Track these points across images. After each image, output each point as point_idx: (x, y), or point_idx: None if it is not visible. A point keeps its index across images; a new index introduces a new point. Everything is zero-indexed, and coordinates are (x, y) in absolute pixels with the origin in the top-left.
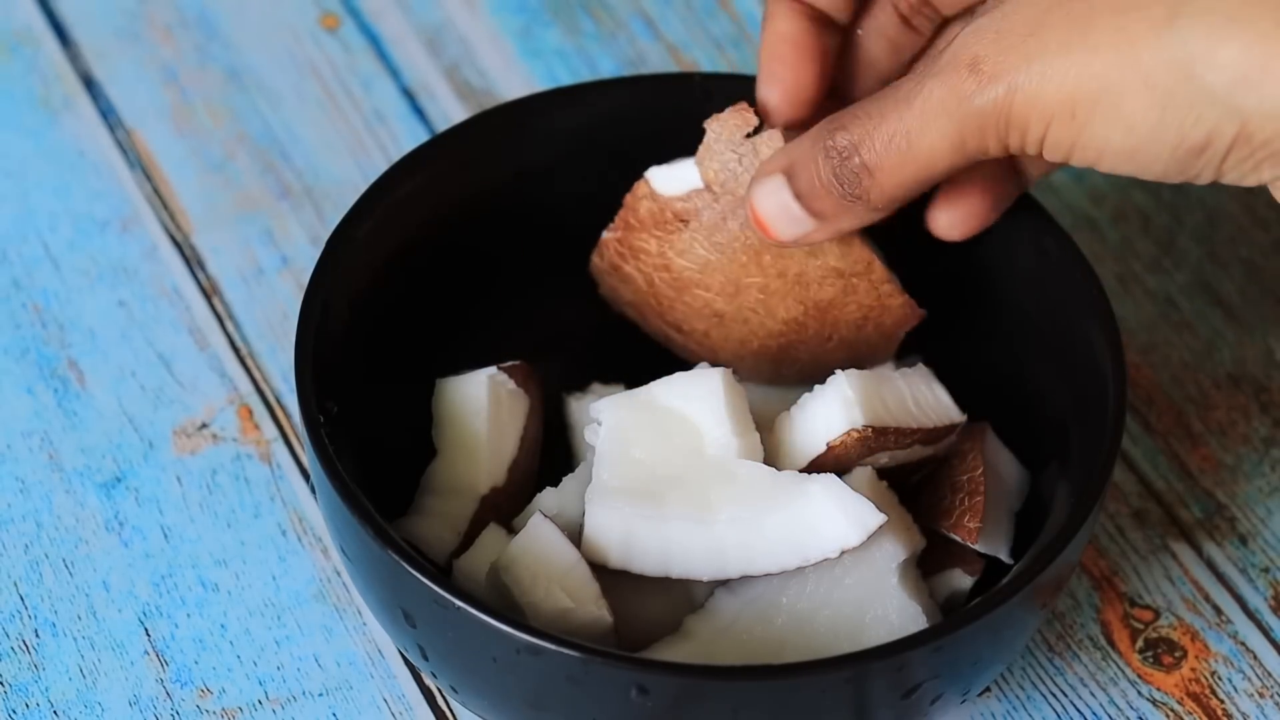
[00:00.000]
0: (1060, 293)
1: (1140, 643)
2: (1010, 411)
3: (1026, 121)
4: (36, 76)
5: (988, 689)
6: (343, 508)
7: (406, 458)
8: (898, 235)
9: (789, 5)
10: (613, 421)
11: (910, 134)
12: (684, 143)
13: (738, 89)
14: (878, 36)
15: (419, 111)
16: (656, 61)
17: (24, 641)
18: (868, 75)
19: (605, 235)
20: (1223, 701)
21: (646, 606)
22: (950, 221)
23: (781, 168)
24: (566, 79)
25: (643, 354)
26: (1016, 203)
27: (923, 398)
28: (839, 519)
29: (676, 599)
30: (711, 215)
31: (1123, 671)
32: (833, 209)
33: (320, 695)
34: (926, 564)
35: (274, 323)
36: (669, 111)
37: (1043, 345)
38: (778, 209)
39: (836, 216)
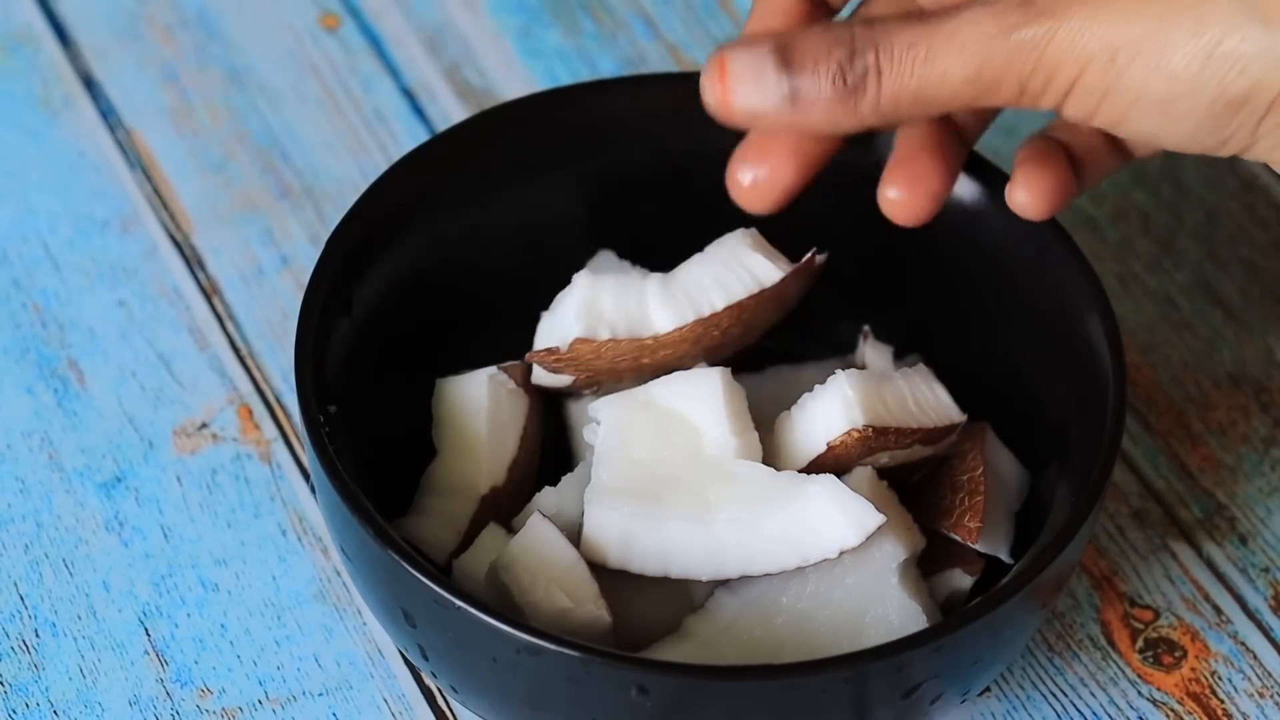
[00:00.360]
0: (1060, 291)
1: (1140, 642)
2: (1010, 411)
3: (1058, 64)
4: (36, 76)
5: (988, 689)
6: (342, 507)
7: (406, 458)
8: (900, 234)
9: None
10: (612, 421)
11: (932, 50)
12: (683, 142)
13: None
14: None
15: (419, 111)
16: (656, 61)
17: (24, 641)
18: None
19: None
20: (1223, 701)
21: (646, 606)
22: (1029, 199)
23: (773, 43)
24: (566, 79)
25: None
26: None
27: (923, 397)
28: (838, 519)
29: (676, 599)
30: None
31: (1123, 671)
32: (815, 97)
33: (320, 695)
34: (926, 564)
35: (274, 323)
36: (669, 112)
37: (1042, 344)
38: (751, 74)
39: (812, 108)
